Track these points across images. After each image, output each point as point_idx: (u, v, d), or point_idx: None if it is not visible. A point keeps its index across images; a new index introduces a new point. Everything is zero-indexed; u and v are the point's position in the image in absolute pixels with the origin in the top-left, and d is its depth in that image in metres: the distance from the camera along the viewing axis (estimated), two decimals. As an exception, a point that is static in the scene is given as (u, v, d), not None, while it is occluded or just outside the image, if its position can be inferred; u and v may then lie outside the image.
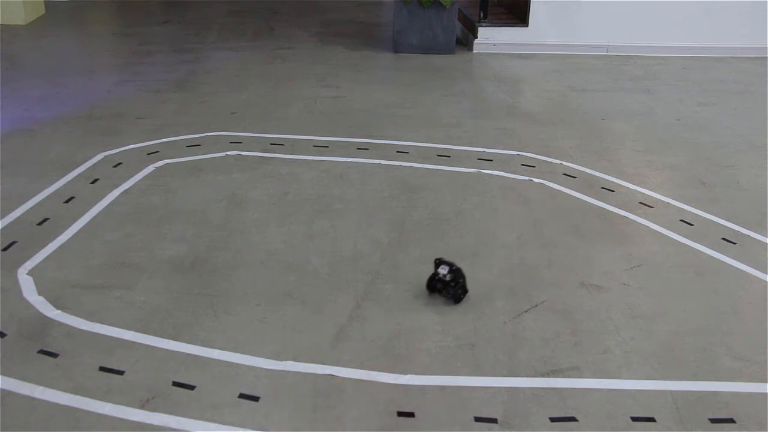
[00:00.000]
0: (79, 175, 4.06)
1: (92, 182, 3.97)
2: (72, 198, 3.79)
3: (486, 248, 3.43)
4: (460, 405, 2.45)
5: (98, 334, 2.74)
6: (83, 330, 2.75)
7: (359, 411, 2.40)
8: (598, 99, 5.74)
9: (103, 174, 4.08)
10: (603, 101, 5.68)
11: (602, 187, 4.09)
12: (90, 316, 2.83)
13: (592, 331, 2.85)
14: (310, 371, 2.58)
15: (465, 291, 3.00)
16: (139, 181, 4.01)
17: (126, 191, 3.88)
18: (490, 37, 7.08)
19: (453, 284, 2.96)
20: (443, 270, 2.94)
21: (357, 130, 4.85)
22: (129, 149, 4.43)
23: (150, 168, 4.17)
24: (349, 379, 2.55)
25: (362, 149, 4.53)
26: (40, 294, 2.97)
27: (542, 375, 2.60)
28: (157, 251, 3.32)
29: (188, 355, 2.64)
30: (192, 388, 2.48)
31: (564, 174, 4.25)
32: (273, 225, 3.59)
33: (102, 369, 2.55)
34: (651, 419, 2.41)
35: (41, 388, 2.46)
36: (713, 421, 2.41)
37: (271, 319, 2.87)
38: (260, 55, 6.75)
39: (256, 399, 2.44)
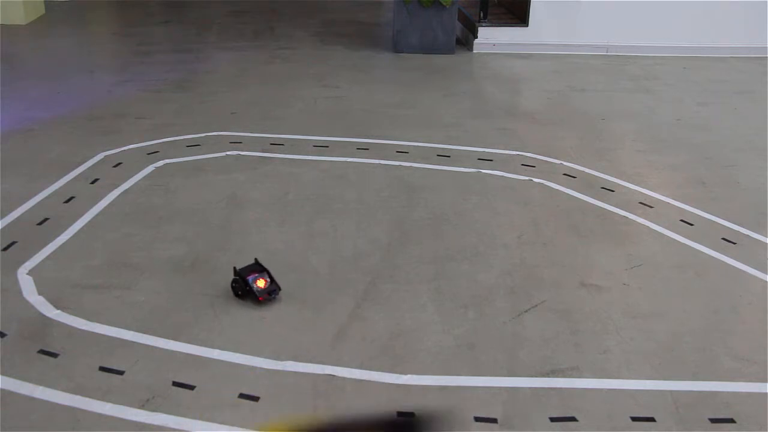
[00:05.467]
0: (78, 175, 4.06)
1: (92, 182, 3.97)
2: (72, 198, 3.79)
3: (486, 248, 3.43)
4: (460, 405, 2.45)
5: (98, 334, 2.74)
6: (83, 330, 2.75)
7: (359, 411, 2.40)
8: (598, 99, 5.74)
9: (103, 174, 4.07)
10: (603, 101, 5.68)
11: (602, 187, 4.09)
12: (90, 316, 2.83)
13: (592, 331, 2.85)
14: (310, 371, 2.57)
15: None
16: (139, 181, 4.01)
17: (126, 191, 3.88)
18: (490, 37, 7.08)
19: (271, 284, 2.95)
20: (259, 282, 2.92)
21: (357, 130, 4.85)
22: (129, 149, 4.42)
23: (150, 168, 4.17)
24: (349, 379, 2.55)
25: (362, 149, 4.53)
26: (40, 294, 2.97)
27: (542, 375, 2.60)
28: (157, 251, 3.32)
29: (188, 355, 2.64)
30: (192, 388, 2.48)
31: (564, 174, 4.25)
32: (273, 225, 3.59)
33: (102, 369, 2.55)
34: (651, 419, 2.41)
35: (41, 388, 2.46)
36: (713, 421, 2.41)
37: (271, 319, 2.87)
38: (260, 55, 6.75)
39: (256, 399, 2.44)
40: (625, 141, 4.85)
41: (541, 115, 5.33)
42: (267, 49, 6.97)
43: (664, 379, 2.60)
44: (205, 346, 2.69)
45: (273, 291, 2.94)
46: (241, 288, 2.94)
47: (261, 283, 2.92)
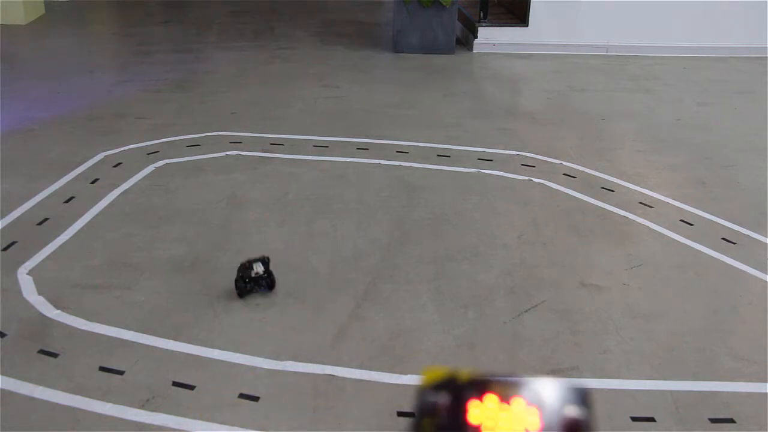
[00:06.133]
0: (78, 175, 4.06)
1: (92, 182, 3.97)
2: (72, 198, 3.79)
3: (486, 248, 3.43)
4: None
5: (98, 334, 2.74)
6: (83, 330, 2.75)
7: (359, 411, 2.40)
8: (598, 99, 5.74)
9: (103, 174, 4.07)
10: (603, 101, 5.68)
11: (602, 187, 4.09)
12: (90, 316, 2.83)
13: (592, 331, 2.85)
14: (310, 371, 2.58)
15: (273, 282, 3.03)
16: (139, 181, 4.01)
17: (126, 191, 3.88)
18: (490, 37, 7.07)
19: (266, 275, 2.99)
20: (259, 268, 2.96)
21: (357, 130, 4.85)
22: (129, 149, 4.42)
23: (150, 168, 4.17)
24: (349, 379, 2.55)
25: (362, 149, 4.53)
26: (40, 294, 2.97)
27: (542, 375, 2.60)
28: (157, 251, 3.32)
29: (188, 355, 2.64)
30: (192, 388, 2.48)
31: (564, 174, 4.25)
32: (273, 225, 3.59)
33: (102, 369, 2.55)
34: (651, 419, 2.41)
35: (41, 388, 2.46)
36: (713, 421, 2.41)
37: (270, 319, 2.87)
38: (260, 55, 6.75)
39: (256, 399, 2.44)
40: (625, 141, 4.85)
41: (541, 115, 5.33)
42: (267, 49, 6.97)
43: (664, 379, 2.60)
44: (205, 346, 2.69)
45: (263, 278, 2.95)
46: (243, 272, 2.95)
47: (260, 269, 2.96)
